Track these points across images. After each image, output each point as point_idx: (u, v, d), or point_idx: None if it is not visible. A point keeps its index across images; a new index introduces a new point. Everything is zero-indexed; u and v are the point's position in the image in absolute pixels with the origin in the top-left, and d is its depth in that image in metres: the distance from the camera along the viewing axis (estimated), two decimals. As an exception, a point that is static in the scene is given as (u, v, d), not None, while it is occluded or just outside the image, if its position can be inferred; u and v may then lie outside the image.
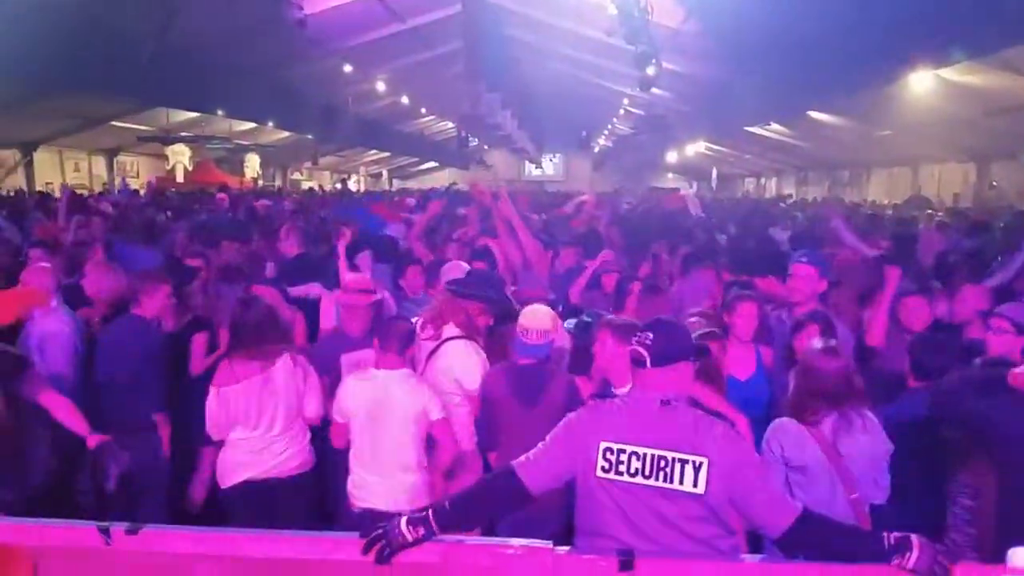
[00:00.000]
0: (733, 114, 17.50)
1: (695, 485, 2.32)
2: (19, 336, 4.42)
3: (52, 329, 4.41)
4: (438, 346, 4.08)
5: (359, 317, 4.36)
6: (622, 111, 25.97)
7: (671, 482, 2.34)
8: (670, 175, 38.09)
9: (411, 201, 13.76)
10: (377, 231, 7.79)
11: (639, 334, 2.52)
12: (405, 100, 22.68)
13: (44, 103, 14.44)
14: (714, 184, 32.54)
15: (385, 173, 40.44)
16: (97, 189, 18.11)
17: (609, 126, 31.37)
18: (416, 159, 38.43)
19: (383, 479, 3.68)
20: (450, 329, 4.09)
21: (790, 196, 22.71)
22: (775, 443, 3.12)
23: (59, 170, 19.16)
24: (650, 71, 12.53)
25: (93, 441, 3.63)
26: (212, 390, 3.83)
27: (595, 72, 20.99)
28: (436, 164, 40.14)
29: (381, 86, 19.24)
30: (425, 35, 17.39)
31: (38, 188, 17.01)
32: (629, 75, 15.15)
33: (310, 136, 23.06)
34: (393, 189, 33.57)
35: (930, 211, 14.63)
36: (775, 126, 19.72)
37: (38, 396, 3.64)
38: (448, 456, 3.77)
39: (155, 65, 12.40)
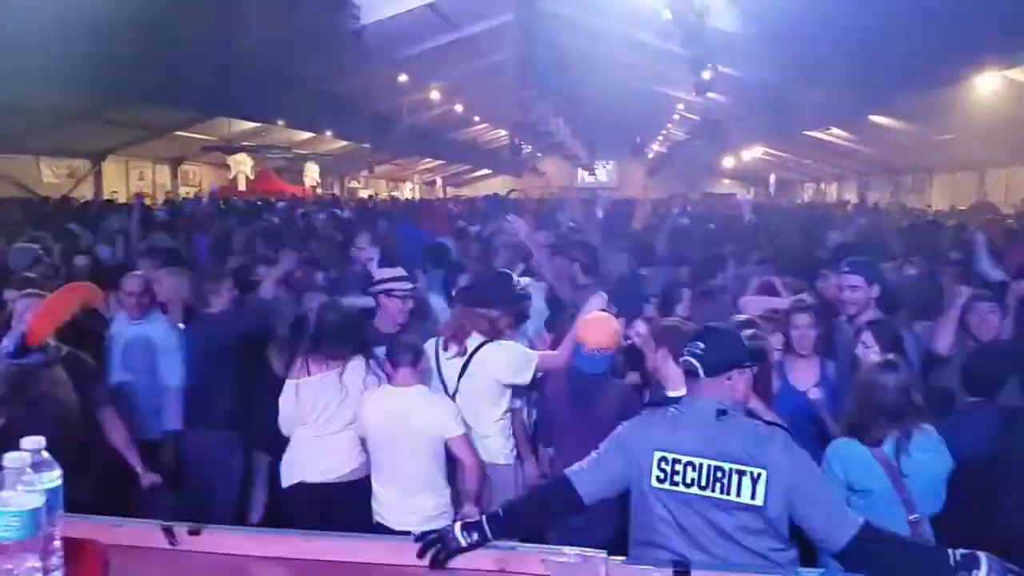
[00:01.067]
0: (792, 118, 17.21)
1: (753, 497, 2.28)
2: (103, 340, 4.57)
3: (155, 334, 4.52)
4: (468, 359, 3.89)
5: (394, 308, 4.36)
6: (677, 116, 25.77)
7: (728, 493, 2.30)
8: (726, 181, 37.53)
9: (453, 208, 13.81)
10: (429, 240, 7.83)
11: (690, 343, 2.49)
12: (459, 108, 22.90)
13: (112, 114, 15.00)
14: (772, 190, 31.98)
15: (439, 180, 40.77)
16: (160, 198, 18.66)
17: (663, 131, 31.12)
18: (469, 166, 38.67)
19: (398, 497, 3.63)
20: (475, 339, 3.92)
21: (848, 202, 22.19)
22: (837, 466, 3.01)
23: (125, 179, 19.80)
24: (706, 75, 12.43)
25: (147, 480, 3.85)
26: (287, 384, 3.90)
27: (649, 77, 20.88)
28: (489, 171, 40.32)
29: (435, 94, 19.46)
30: (479, 43, 17.54)
31: (105, 197, 17.59)
32: (684, 80, 15.03)
33: (366, 145, 23.42)
34: (447, 196, 33.84)
35: (995, 216, 14.08)
36: (835, 130, 19.30)
37: (102, 413, 3.80)
38: (473, 474, 3.64)
39: (217, 76, 12.76)
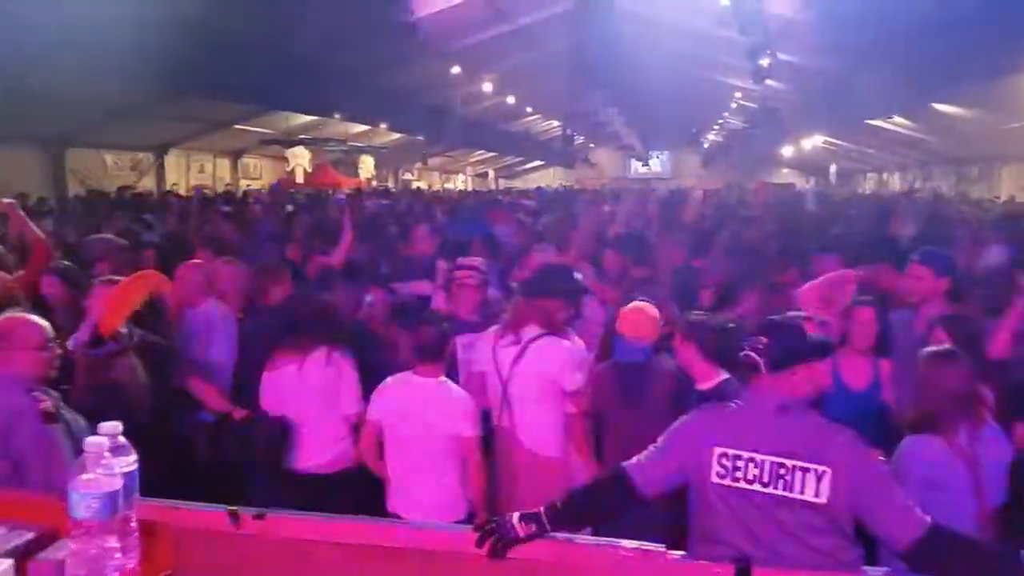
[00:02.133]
0: (853, 107, 16.73)
1: (816, 495, 2.24)
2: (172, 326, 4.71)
3: (209, 323, 4.62)
4: (522, 350, 3.86)
5: (468, 296, 4.45)
6: (734, 105, 25.30)
7: (791, 491, 2.26)
8: (785, 170, 36.80)
9: (529, 203, 13.78)
10: (485, 231, 7.84)
11: (752, 338, 2.45)
12: (511, 100, 22.88)
13: (175, 108, 15.40)
14: (832, 179, 31.23)
15: (491, 173, 40.88)
16: (220, 190, 19.10)
17: (720, 120, 30.61)
18: (522, 158, 38.67)
19: (410, 487, 3.63)
20: (531, 330, 3.88)
21: (918, 191, 21.52)
22: (914, 463, 2.93)
23: (185, 172, 20.31)
24: (764, 63, 12.18)
25: (239, 414, 3.99)
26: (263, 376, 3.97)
27: (705, 65, 20.53)
28: (542, 163, 40.25)
29: (488, 86, 19.47)
30: (532, 34, 17.47)
31: (167, 189, 18.10)
32: (742, 67, 14.75)
33: (420, 137, 23.59)
34: (499, 188, 33.92)
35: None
36: (898, 119, 18.74)
37: (186, 382, 3.94)
38: (476, 480, 3.60)
39: (276, 70, 12.99)
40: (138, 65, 10.30)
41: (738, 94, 23.33)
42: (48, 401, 2.82)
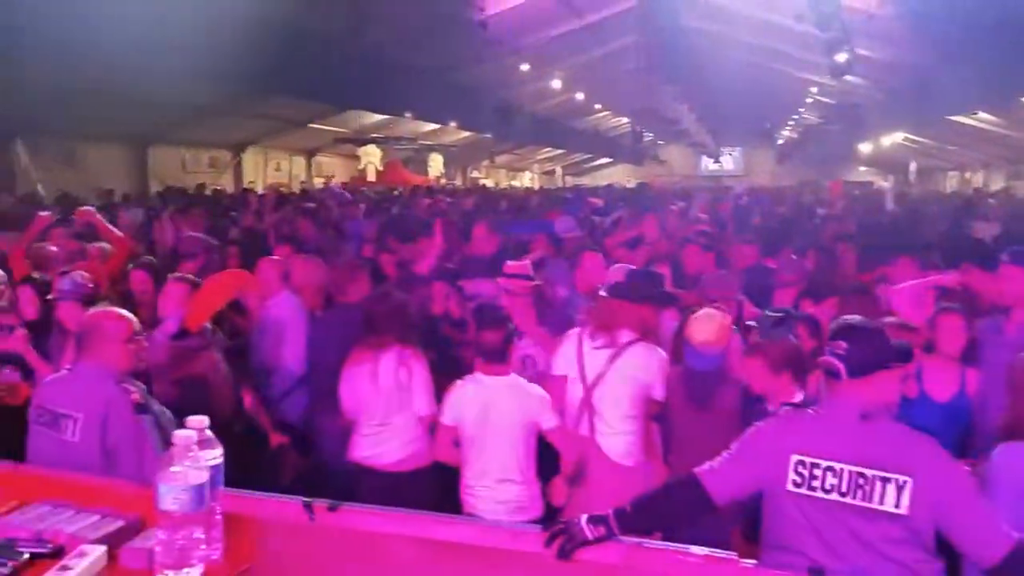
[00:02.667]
0: (935, 102, 16.09)
1: (897, 505, 2.17)
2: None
3: (282, 318, 4.70)
4: (619, 352, 3.76)
5: (520, 305, 4.38)
6: (809, 100, 24.66)
7: (870, 501, 2.20)
8: (862, 168, 35.65)
9: (598, 202, 13.69)
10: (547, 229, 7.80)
11: (831, 343, 2.38)
12: (580, 96, 22.77)
13: (254, 107, 15.84)
14: (912, 178, 30.12)
15: (559, 170, 40.78)
16: (295, 188, 19.56)
17: (795, 117, 29.87)
18: (589, 155, 38.47)
19: (487, 487, 3.62)
20: (626, 334, 3.76)
21: (1008, 187, 20.53)
22: (1011, 472, 2.74)
23: (263, 170, 20.87)
24: (842, 58, 11.82)
25: (276, 440, 4.07)
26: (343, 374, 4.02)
27: (780, 60, 20.06)
28: (610, 160, 39.97)
29: (556, 83, 19.43)
30: (602, 30, 17.37)
31: (244, 186, 18.63)
32: (818, 63, 14.37)
33: (488, 135, 23.70)
34: (566, 185, 33.83)
35: None
36: (983, 115, 17.94)
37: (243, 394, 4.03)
38: (569, 461, 3.63)
39: (350, 70, 13.23)
40: (219, 65, 10.63)
41: (814, 89, 22.73)
42: (137, 392, 2.93)
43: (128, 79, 10.98)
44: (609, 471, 3.65)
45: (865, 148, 26.28)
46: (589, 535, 2.12)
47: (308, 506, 2.06)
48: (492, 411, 3.57)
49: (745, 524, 3.02)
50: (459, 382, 3.74)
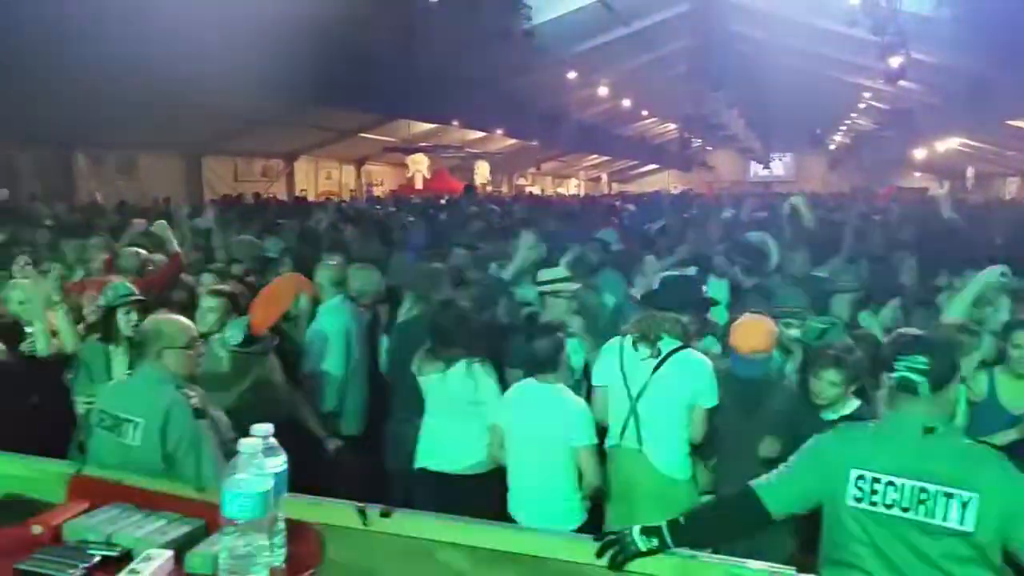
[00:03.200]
0: (993, 106, 15.66)
1: (962, 522, 2.11)
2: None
3: (335, 323, 4.74)
4: (661, 362, 3.67)
5: (559, 308, 4.44)
6: (862, 105, 24.20)
7: (933, 517, 2.14)
8: (916, 174, 34.80)
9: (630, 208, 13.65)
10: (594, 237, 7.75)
11: (906, 357, 2.30)
12: (627, 103, 22.69)
13: (305, 118, 16.14)
14: (969, 184, 29.29)
15: (604, 176, 40.66)
16: (345, 196, 19.84)
17: (847, 122, 29.33)
18: (636, 162, 38.27)
19: (526, 491, 3.64)
20: (668, 342, 3.69)
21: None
22: None
23: (314, 178, 21.23)
24: (896, 62, 11.57)
25: (332, 445, 4.12)
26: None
27: (832, 66, 19.74)
28: (656, 166, 39.71)
29: (603, 90, 19.39)
30: (649, 36, 17.30)
31: (296, 195, 18.97)
32: (872, 67, 14.10)
33: (534, 142, 23.75)
34: (611, 192, 33.70)
35: None
36: (1044, 118, 17.39)
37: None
38: (589, 484, 3.60)
39: (399, 80, 13.39)
40: (272, 77, 10.85)
41: (867, 94, 22.31)
42: (197, 397, 3.00)
43: (184, 91, 11.28)
44: (657, 484, 3.56)
45: (919, 153, 25.64)
46: (642, 547, 2.11)
47: (362, 511, 2.08)
48: (533, 417, 3.59)
49: (802, 536, 2.97)
50: (512, 387, 3.78)
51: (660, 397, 3.59)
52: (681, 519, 2.25)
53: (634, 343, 3.70)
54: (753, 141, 31.68)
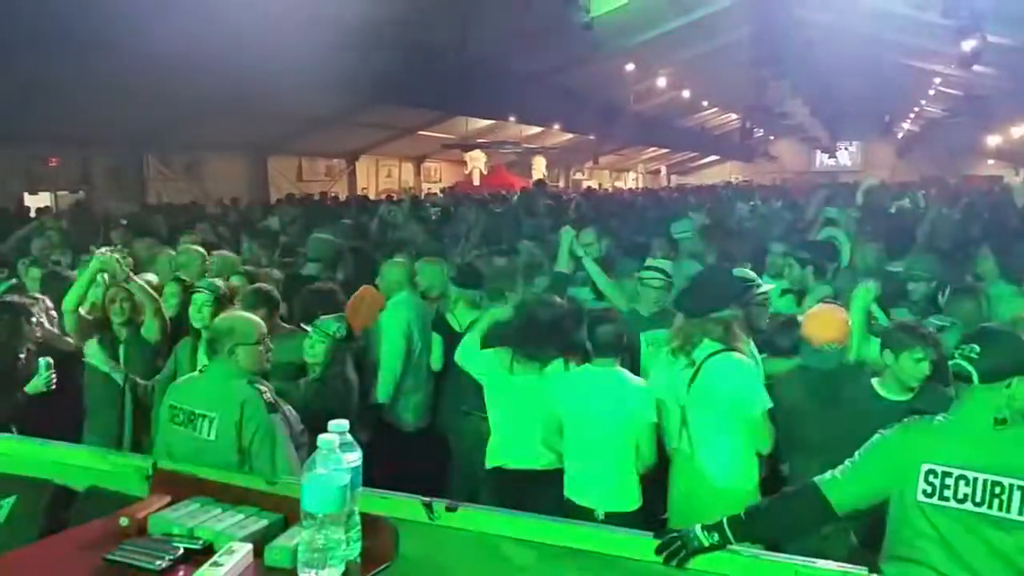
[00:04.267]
0: (1076, 89, 14.98)
1: None
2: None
3: (399, 316, 4.80)
4: (696, 372, 3.44)
5: (651, 297, 4.47)
6: (932, 92, 23.35)
7: (1008, 511, 2.10)
8: (990, 161, 33.47)
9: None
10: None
11: (964, 346, 2.28)
12: (686, 94, 22.38)
13: (366, 117, 16.40)
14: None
15: (663, 169, 40.19)
16: (403, 193, 20.08)
17: (916, 109, 28.36)
18: (695, 154, 37.71)
19: (586, 475, 3.65)
20: (706, 347, 3.46)
21: None
22: None
23: (375, 177, 21.55)
24: (970, 46, 11.13)
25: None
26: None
27: (901, 51, 19.09)
28: (717, 158, 39.06)
29: (662, 81, 19.16)
30: (710, 25, 16.99)
31: (357, 193, 19.30)
32: (943, 52, 13.60)
33: (591, 136, 23.63)
34: (671, 185, 33.30)
35: None
36: None
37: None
38: (645, 463, 3.60)
39: (457, 78, 13.49)
40: (335, 78, 11.07)
41: (938, 80, 21.53)
42: (268, 392, 3.09)
43: (250, 93, 11.59)
44: (714, 494, 3.35)
45: (993, 140, 24.67)
46: (704, 543, 2.10)
47: (428, 506, 2.11)
48: (590, 399, 3.62)
49: (862, 530, 2.92)
50: (567, 371, 3.80)
51: (703, 408, 3.42)
52: (743, 515, 2.24)
53: (672, 353, 3.55)
54: (818, 130, 30.85)
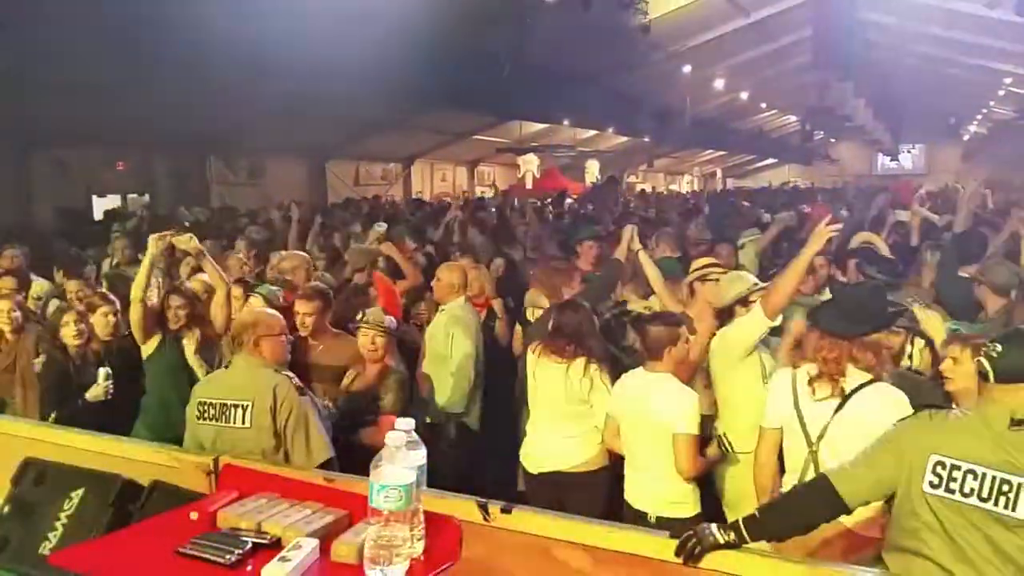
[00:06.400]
0: None
1: None
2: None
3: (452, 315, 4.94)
4: (844, 401, 3.03)
5: (707, 291, 4.43)
6: (1002, 92, 22.54)
7: (1014, 509, 2.08)
8: (1062, 165, 32.16)
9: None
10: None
11: (990, 344, 2.29)
12: (744, 96, 22.05)
13: (424, 121, 16.57)
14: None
15: (719, 172, 39.64)
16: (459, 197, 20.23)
17: (984, 110, 27.44)
18: (752, 156, 37.08)
19: (642, 480, 3.67)
20: (855, 376, 3.02)
21: None
22: None
23: (429, 180, 21.75)
24: (1044, 45, 10.71)
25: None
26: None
27: (969, 51, 18.47)
28: (774, 160, 38.36)
29: (719, 83, 18.91)
30: (769, 26, 16.72)
31: (413, 196, 19.50)
32: (1014, 52, 13.14)
33: (646, 139, 23.45)
34: (726, 188, 32.83)
35: None
36: None
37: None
38: (681, 472, 3.57)
39: (512, 82, 13.53)
40: (391, 83, 11.23)
41: (1007, 80, 20.78)
42: (295, 378, 3.21)
43: (310, 98, 11.81)
44: (846, 541, 2.90)
45: (1069, 142, 23.70)
46: (720, 539, 2.07)
47: (483, 506, 2.13)
48: (643, 404, 3.63)
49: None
50: (625, 375, 3.83)
51: (843, 445, 2.91)
52: (756, 513, 2.25)
53: (809, 382, 3.09)
54: (881, 132, 29.97)
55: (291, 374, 3.27)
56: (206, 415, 3.17)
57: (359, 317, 4.15)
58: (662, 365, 3.67)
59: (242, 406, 3.07)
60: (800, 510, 2.37)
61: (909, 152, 39.01)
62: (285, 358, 3.34)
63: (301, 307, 4.20)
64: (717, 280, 4.39)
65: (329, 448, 3.09)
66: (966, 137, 33.05)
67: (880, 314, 3.16)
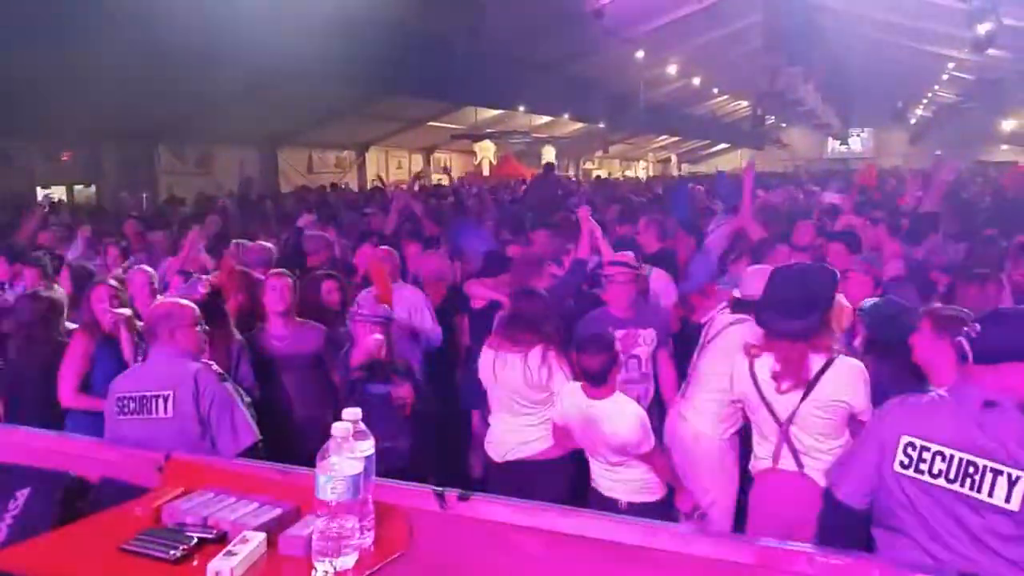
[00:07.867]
0: (1092, 72, 14.77)
1: (1007, 500, 2.08)
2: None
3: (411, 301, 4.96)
4: (811, 386, 3.05)
5: (621, 292, 4.37)
6: (946, 76, 23.11)
7: (978, 491, 2.12)
8: (1004, 147, 33.13)
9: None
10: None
11: (968, 326, 2.32)
12: (696, 82, 22.26)
13: (378, 108, 16.39)
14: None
15: (674, 158, 40.01)
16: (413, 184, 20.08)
17: (929, 94, 28.11)
18: (707, 142, 37.50)
19: (607, 475, 3.71)
20: (815, 362, 3.06)
21: None
22: None
23: (384, 168, 21.57)
24: (985, 29, 10.99)
25: None
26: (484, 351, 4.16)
27: (914, 36, 18.89)
28: (727, 145, 38.84)
29: (672, 69, 19.05)
30: (720, 12, 16.88)
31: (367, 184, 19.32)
32: (957, 36, 13.45)
33: (601, 125, 23.54)
34: (683, 173, 33.17)
35: None
36: None
37: None
38: (663, 481, 3.65)
39: (466, 68, 13.46)
40: (345, 69, 11.07)
41: (951, 64, 21.30)
42: (215, 365, 3.16)
43: (262, 85, 11.59)
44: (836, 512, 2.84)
45: (1008, 125, 24.40)
46: None
47: (440, 495, 2.11)
48: (593, 429, 3.63)
49: None
50: (569, 386, 3.78)
51: (812, 423, 3.06)
52: None
53: (775, 378, 3.09)
54: (831, 116, 30.60)
55: (211, 362, 3.23)
56: (125, 410, 3.11)
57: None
58: (607, 388, 3.62)
59: (163, 396, 3.04)
60: (829, 538, 2.40)
61: (859, 136, 39.87)
62: (202, 348, 3.30)
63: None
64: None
65: (254, 430, 3.10)
66: (913, 120, 33.80)
67: (824, 295, 3.06)
